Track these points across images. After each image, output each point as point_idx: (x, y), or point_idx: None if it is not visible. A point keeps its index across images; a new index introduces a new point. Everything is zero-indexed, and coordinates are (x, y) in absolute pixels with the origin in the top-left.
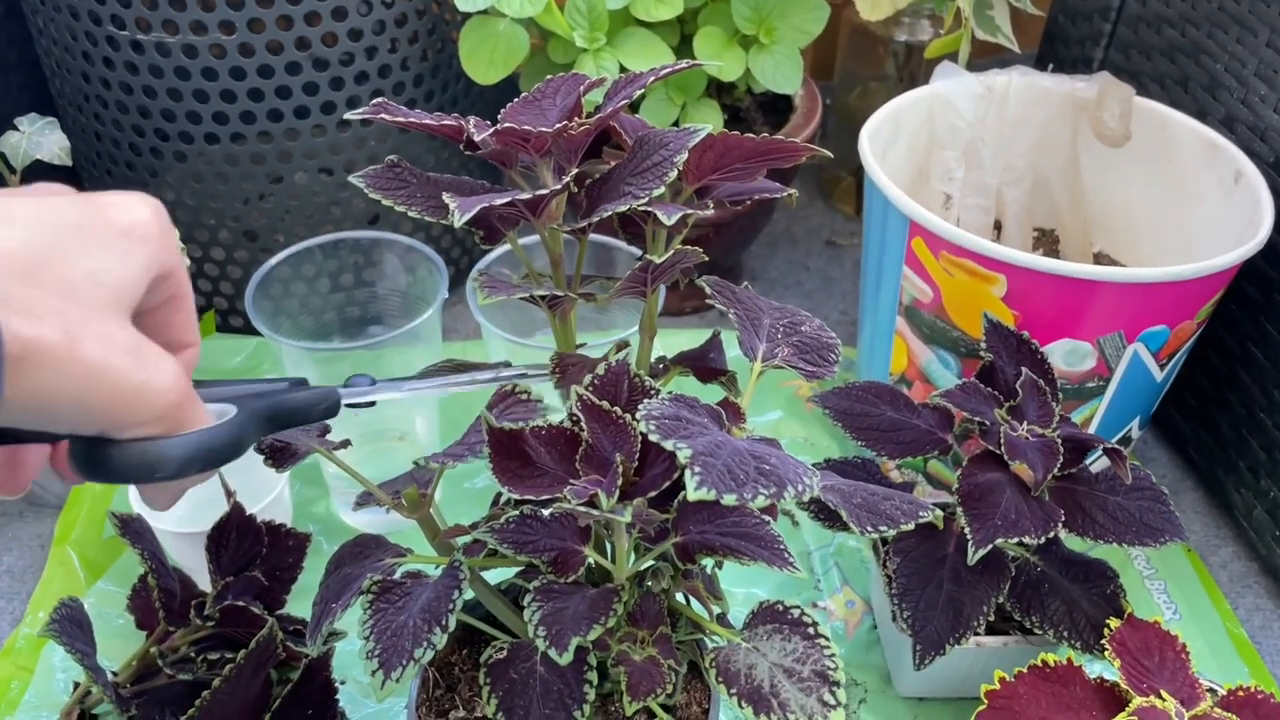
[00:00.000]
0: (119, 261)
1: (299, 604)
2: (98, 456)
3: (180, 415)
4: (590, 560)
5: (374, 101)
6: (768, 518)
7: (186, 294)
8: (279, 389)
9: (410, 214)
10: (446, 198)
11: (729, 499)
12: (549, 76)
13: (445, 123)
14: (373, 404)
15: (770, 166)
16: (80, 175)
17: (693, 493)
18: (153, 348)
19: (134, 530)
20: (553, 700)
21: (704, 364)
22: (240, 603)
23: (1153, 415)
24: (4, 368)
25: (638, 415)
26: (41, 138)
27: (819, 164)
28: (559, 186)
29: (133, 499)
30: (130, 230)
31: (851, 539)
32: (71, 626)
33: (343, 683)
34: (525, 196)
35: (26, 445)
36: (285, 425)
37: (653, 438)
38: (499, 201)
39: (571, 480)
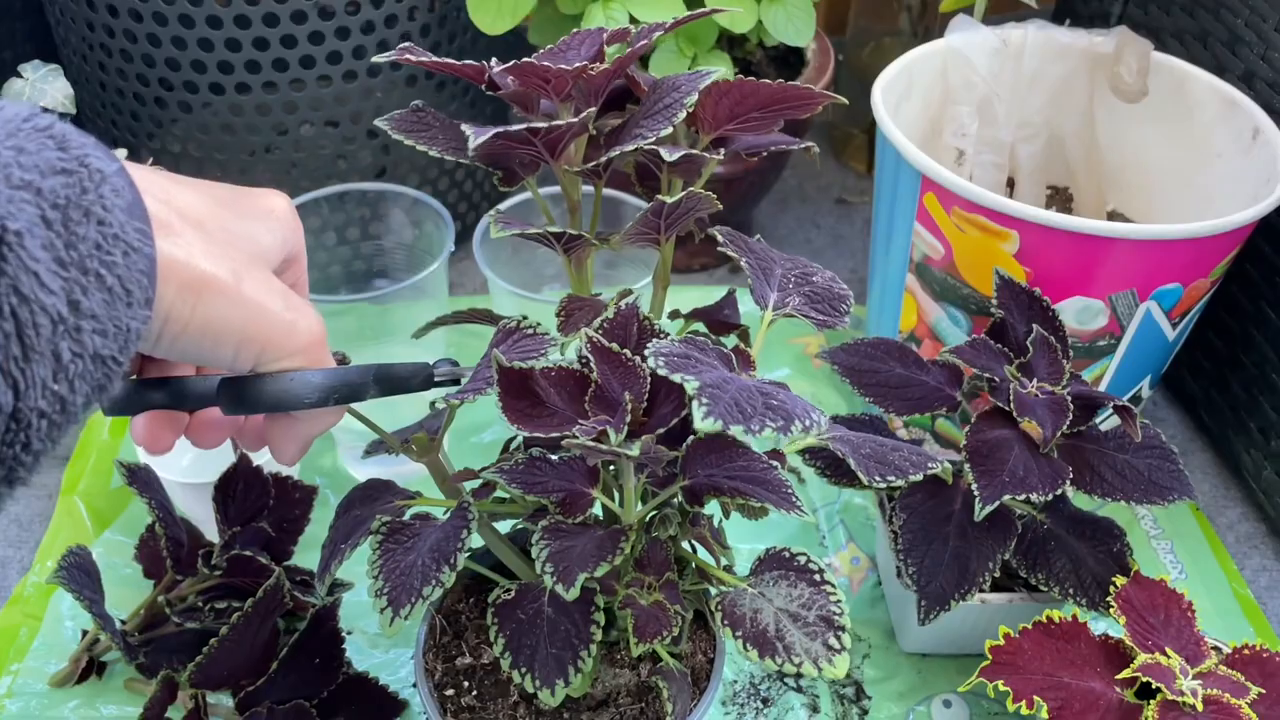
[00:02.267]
0: (265, 231)
1: (306, 556)
2: (250, 389)
3: (319, 351)
4: (598, 503)
5: (400, 46)
6: (775, 463)
7: (305, 283)
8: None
9: (431, 153)
10: (464, 127)
11: (736, 430)
12: (574, 30)
13: (467, 63)
14: (457, 382)
15: (787, 116)
16: (85, 125)
17: (699, 423)
18: (295, 295)
19: (142, 480)
20: (560, 640)
21: (718, 318)
22: (248, 552)
23: (1163, 376)
24: (153, 286)
25: (646, 352)
26: (45, 85)
27: (830, 121)
28: (575, 120)
29: (140, 451)
30: (270, 211)
31: (857, 496)
32: (80, 574)
33: (349, 633)
34: (541, 125)
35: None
36: (389, 390)
37: (660, 371)
38: (515, 129)
39: (580, 420)
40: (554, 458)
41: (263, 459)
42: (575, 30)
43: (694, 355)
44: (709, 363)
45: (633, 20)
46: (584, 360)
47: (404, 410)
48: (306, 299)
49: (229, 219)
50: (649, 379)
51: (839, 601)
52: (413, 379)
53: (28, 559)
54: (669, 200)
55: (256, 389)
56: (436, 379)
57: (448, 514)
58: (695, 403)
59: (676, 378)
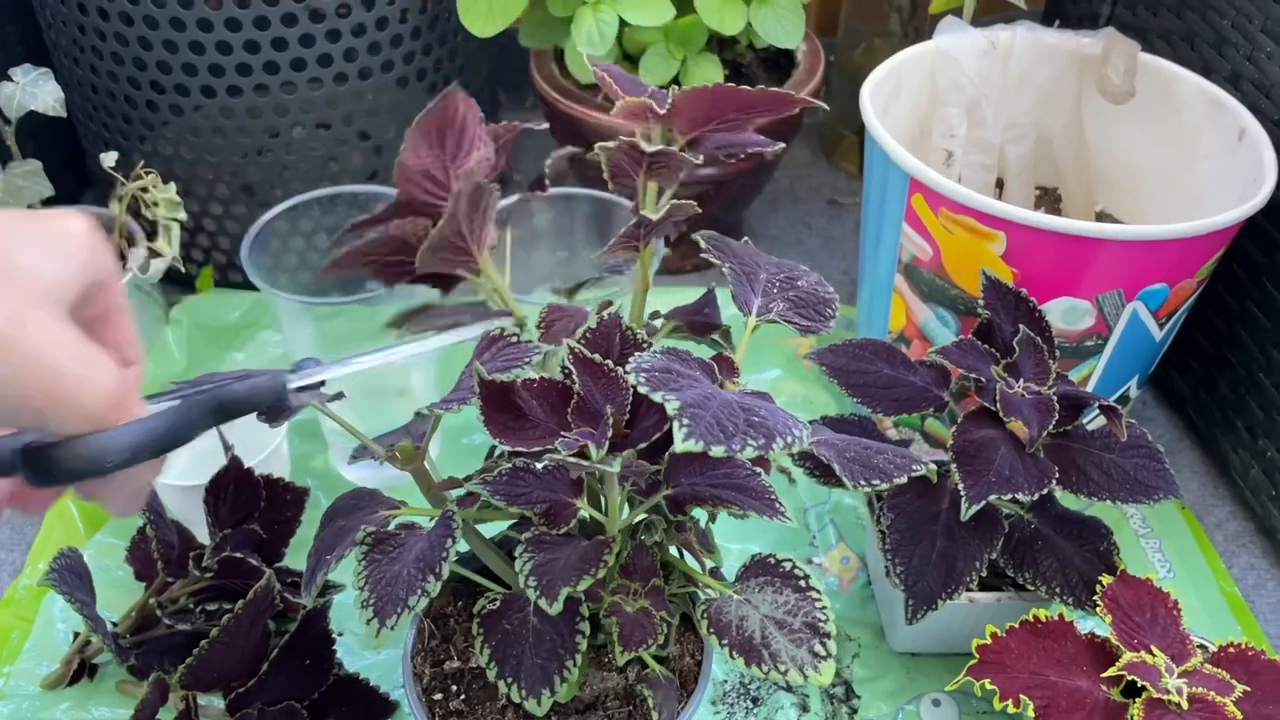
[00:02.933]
0: (59, 259)
1: (297, 557)
2: (46, 458)
3: (117, 412)
4: (582, 513)
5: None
6: (759, 470)
7: (124, 308)
8: (224, 382)
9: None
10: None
11: (717, 450)
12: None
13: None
14: (323, 384)
15: (765, 118)
16: (76, 128)
17: (680, 444)
18: (92, 345)
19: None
20: (545, 650)
21: (698, 318)
22: (238, 554)
23: (1151, 375)
24: None
25: (628, 367)
26: (36, 88)
27: (821, 122)
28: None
29: None
30: (67, 235)
31: (847, 496)
32: (71, 577)
33: (340, 635)
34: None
35: None
36: (233, 415)
37: (642, 389)
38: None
39: (563, 432)
40: (538, 466)
41: (253, 460)
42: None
43: (675, 369)
44: (691, 376)
45: (623, 23)
46: (566, 371)
47: (396, 412)
48: (126, 330)
49: (12, 249)
50: (631, 390)
51: (824, 608)
52: (259, 395)
53: (19, 561)
54: (654, 217)
55: (52, 457)
56: (293, 385)
57: (433, 523)
58: (676, 423)
59: (657, 396)
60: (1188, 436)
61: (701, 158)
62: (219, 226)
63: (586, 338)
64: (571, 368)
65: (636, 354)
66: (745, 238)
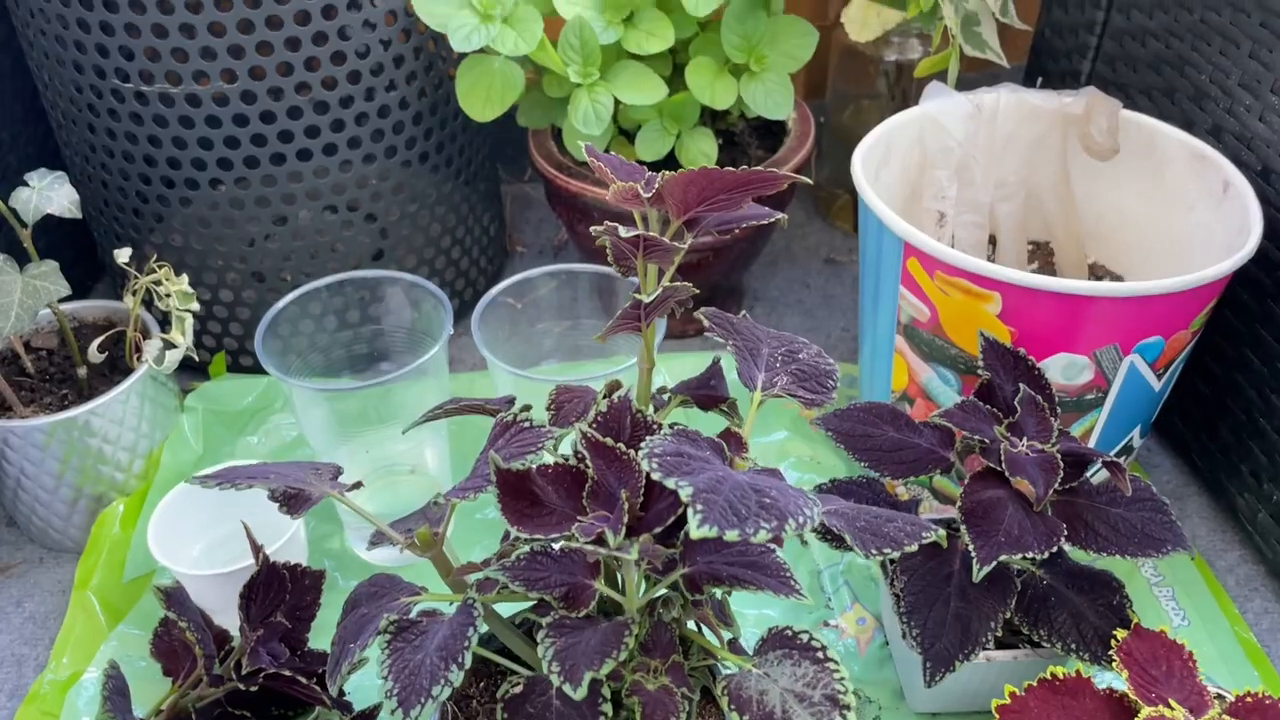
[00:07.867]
0: None
1: (320, 638)
2: None
3: None
4: (601, 593)
5: None
6: (774, 546)
7: None
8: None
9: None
10: None
11: (731, 535)
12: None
13: None
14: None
15: (755, 194)
16: (89, 223)
17: (695, 530)
18: None
19: (178, 601)
20: None
21: (705, 392)
22: (288, 672)
23: (1155, 422)
24: None
25: (640, 453)
26: (51, 192)
27: (816, 182)
28: None
29: (152, 545)
30: None
31: (860, 557)
32: (119, 699)
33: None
34: None
35: None
36: None
37: (655, 476)
38: None
39: (579, 517)
40: (555, 549)
41: (271, 546)
42: None
43: (686, 452)
44: (702, 458)
45: (617, 103)
46: (580, 455)
47: (410, 490)
48: None
49: None
50: (645, 474)
51: (843, 679)
52: None
53: (43, 656)
54: (646, 300)
55: None
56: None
57: (453, 608)
58: (690, 509)
59: (670, 483)
60: (1194, 481)
61: (689, 239)
62: (230, 313)
63: (598, 421)
64: (585, 452)
65: (648, 438)
66: (744, 311)
